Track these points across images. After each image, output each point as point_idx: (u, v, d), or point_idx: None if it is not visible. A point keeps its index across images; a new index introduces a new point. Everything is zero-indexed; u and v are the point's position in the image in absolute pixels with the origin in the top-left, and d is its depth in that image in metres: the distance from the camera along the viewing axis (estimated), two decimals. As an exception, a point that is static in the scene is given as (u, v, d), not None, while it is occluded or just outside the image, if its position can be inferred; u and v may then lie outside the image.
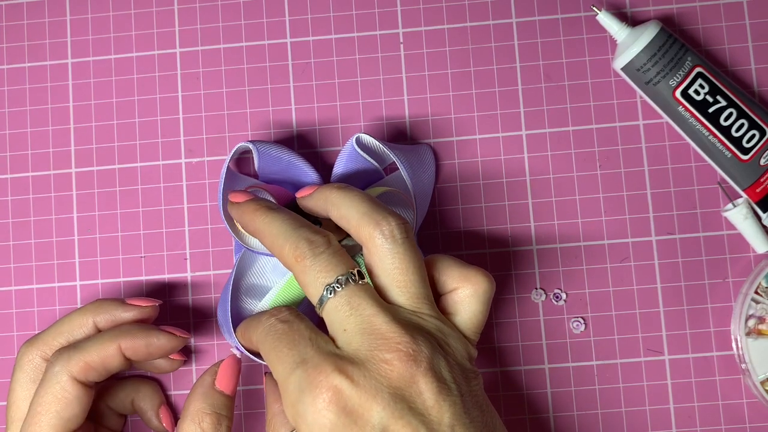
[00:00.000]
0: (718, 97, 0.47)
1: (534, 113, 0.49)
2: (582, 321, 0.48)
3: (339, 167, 0.47)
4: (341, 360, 0.36)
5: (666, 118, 0.48)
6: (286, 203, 0.46)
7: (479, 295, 0.39)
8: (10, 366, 0.49)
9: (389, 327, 0.36)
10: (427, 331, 0.37)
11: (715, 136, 0.47)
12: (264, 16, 0.50)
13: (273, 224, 0.40)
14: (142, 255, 0.49)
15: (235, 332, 0.43)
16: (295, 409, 0.36)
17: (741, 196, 0.48)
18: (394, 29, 0.50)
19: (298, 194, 0.43)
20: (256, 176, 0.48)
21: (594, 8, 0.48)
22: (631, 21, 0.49)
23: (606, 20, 0.48)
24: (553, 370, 0.48)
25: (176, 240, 0.49)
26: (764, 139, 0.47)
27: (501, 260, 0.48)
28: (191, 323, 0.49)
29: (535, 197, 0.49)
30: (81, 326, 0.43)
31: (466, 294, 0.39)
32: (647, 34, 0.46)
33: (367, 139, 0.46)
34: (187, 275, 0.49)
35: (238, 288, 0.45)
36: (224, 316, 0.45)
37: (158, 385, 0.48)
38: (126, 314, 0.44)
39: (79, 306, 0.48)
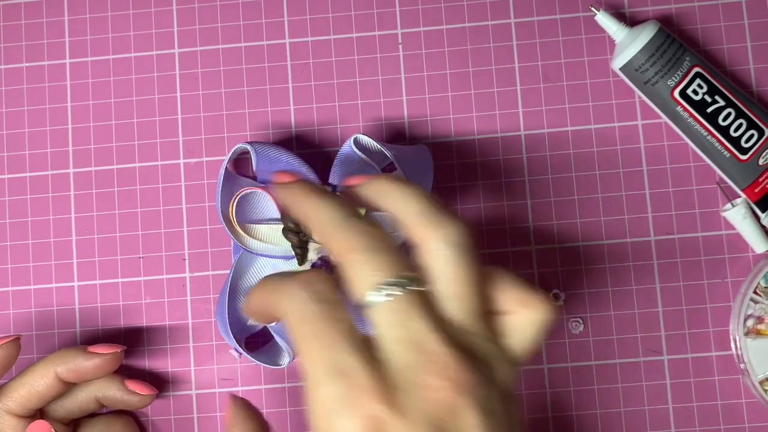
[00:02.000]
0: (717, 97, 0.47)
1: (533, 113, 0.49)
2: (581, 321, 0.48)
3: (337, 168, 0.47)
4: (385, 382, 0.32)
5: (664, 118, 0.48)
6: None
7: (539, 324, 0.36)
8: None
9: (442, 349, 0.33)
10: (479, 354, 0.34)
11: (714, 136, 0.47)
12: (263, 16, 0.50)
13: (322, 210, 0.35)
14: (140, 255, 0.49)
15: (244, 304, 0.38)
16: (326, 422, 0.32)
17: (740, 196, 0.48)
18: (393, 30, 0.50)
19: (346, 182, 0.39)
20: (254, 177, 0.48)
21: (592, 8, 0.48)
22: (630, 21, 0.49)
23: (604, 20, 0.48)
24: (551, 370, 0.48)
25: (175, 240, 0.49)
26: (763, 139, 0.47)
27: (500, 260, 0.48)
28: (189, 324, 0.48)
29: (533, 197, 0.49)
30: (42, 377, 0.43)
31: (525, 321, 0.36)
32: (645, 34, 0.46)
33: (365, 139, 0.46)
34: (186, 275, 0.49)
35: (236, 289, 0.45)
36: (222, 317, 0.45)
37: (132, 420, 0.47)
38: (87, 363, 0.43)
39: (76, 306, 0.48)
